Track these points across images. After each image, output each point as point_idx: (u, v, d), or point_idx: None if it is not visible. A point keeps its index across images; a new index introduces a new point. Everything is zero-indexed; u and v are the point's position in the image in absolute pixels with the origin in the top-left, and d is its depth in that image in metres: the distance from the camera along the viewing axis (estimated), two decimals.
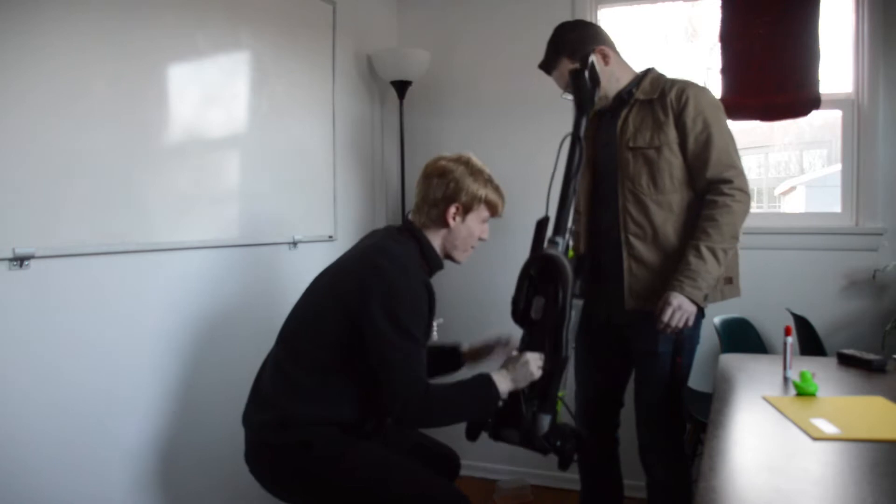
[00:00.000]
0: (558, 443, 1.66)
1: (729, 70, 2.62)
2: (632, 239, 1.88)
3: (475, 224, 1.70)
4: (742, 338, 2.48)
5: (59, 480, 1.68)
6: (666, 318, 1.76)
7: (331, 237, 2.72)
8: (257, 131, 2.32)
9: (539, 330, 1.69)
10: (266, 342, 1.75)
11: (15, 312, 1.59)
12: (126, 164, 1.84)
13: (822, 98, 2.53)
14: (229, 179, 2.24)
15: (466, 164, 1.70)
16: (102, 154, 1.78)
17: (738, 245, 1.91)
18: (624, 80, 1.93)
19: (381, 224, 3.13)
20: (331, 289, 1.65)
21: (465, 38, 3.07)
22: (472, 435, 1.75)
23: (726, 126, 1.87)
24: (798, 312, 2.37)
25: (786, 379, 1.64)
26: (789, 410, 1.36)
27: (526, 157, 2.87)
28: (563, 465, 1.68)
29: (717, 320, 2.47)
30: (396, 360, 1.52)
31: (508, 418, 1.69)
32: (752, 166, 3.36)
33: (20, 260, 1.57)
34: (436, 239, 1.70)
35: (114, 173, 1.81)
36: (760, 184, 3.49)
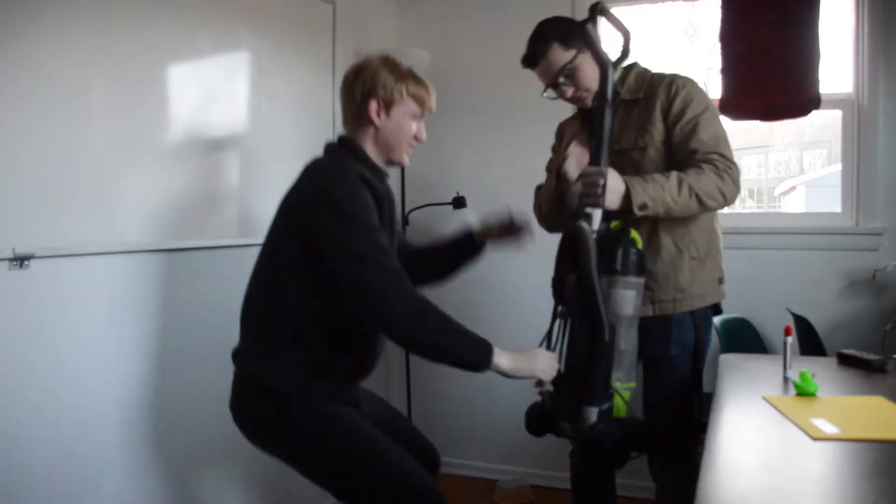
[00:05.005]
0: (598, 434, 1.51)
1: (729, 70, 2.62)
2: None
3: (403, 119, 1.61)
4: (742, 338, 2.48)
5: (57, 479, 1.68)
6: (582, 176, 1.63)
7: None
8: (257, 131, 2.32)
9: (572, 310, 1.57)
10: None
11: (15, 312, 1.59)
12: (126, 163, 1.84)
13: (822, 98, 2.53)
14: (229, 179, 2.24)
15: (383, 59, 1.62)
16: (102, 154, 1.78)
17: (721, 244, 1.88)
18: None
19: None
20: (279, 213, 1.61)
21: (465, 38, 3.07)
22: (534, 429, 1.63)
23: (717, 118, 1.80)
24: (798, 312, 2.37)
25: (786, 379, 1.64)
26: (789, 410, 1.36)
27: (526, 158, 2.87)
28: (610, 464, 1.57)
29: (717, 320, 2.46)
30: (354, 251, 1.45)
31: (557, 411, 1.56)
32: (752, 166, 3.36)
33: (20, 260, 1.57)
34: (367, 143, 1.62)
35: (114, 173, 1.81)
36: (760, 184, 3.49)
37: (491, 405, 2.99)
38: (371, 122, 1.60)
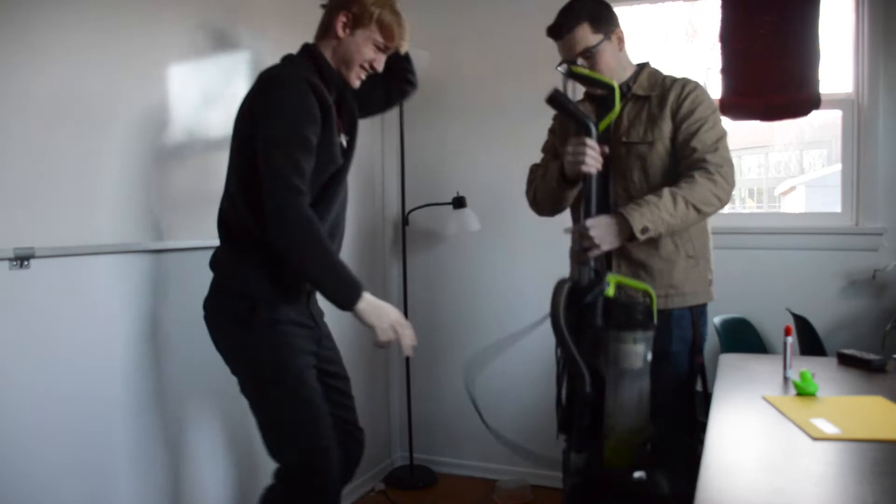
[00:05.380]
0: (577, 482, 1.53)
1: (729, 70, 2.62)
2: None
3: (364, 43, 1.64)
4: (742, 338, 2.48)
5: (57, 479, 1.68)
6: (581, 232, 1.67)
7: None
8: None
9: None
10: None
11: (15, 312, 1.59)
12: (126, 164, 1.85)
13: (822, 98, 2.53)
14: None
15: None
16: (103, 154, 1.78)
17: (712, 246, 1.91)
18: (627, 73, 1.92)
19: (381, 224, 3.13)
20: (235, 120, 1.68)
21: (465, 38, 3.07)
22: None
23: (720, 123, 1.85)
24: (798, 312, 2.37)
25: (786, 379, 1.64)
26: (789, 410, 1.36)
27: (526, 157, 2.87)
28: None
29: (717, 320, 2.47)
30: (272, 163, 1.52)
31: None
32: (752, 166, 3.36)
33: (21, 260, 1.58)
34: (327, 51, 1.67)
35: (114, 173, 1.81)
36: (760, 184, 3.49)
37: (491, 405, 2.98)
38: (335, 35, 1.65)
